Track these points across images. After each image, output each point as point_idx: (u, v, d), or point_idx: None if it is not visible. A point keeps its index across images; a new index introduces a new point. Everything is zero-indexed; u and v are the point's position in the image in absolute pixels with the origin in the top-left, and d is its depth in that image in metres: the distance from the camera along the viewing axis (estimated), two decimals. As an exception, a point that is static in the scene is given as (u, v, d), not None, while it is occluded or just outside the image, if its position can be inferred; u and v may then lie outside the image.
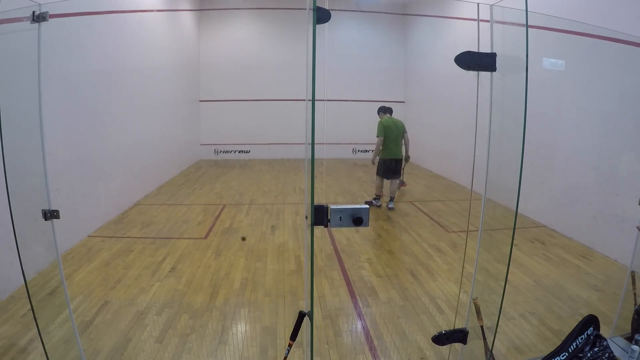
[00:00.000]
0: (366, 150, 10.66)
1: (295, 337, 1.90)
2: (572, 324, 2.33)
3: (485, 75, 1.87)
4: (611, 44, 3.44)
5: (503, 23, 1.82)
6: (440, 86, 8.58)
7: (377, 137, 5.78)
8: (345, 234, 4.70)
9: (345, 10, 10.54)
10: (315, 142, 1.55)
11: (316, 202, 1.59)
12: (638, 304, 2.50)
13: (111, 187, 5.32)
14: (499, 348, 2.51)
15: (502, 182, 2.02)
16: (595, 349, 2.25)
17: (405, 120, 6.38)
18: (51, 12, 1.87)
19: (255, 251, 4.26)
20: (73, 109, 4.33)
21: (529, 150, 1.92)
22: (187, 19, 9.51)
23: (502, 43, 1.82)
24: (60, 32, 3.92)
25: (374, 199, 6.06)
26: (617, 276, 3.64)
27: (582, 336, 2.26)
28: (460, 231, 4.96)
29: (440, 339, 2.16)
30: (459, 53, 1.82)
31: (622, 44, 3.33)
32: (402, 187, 6.89)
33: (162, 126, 7.69)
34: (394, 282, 3.52)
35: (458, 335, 2.17)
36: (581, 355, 2.23)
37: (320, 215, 1.60)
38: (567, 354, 2.21)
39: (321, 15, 1.47)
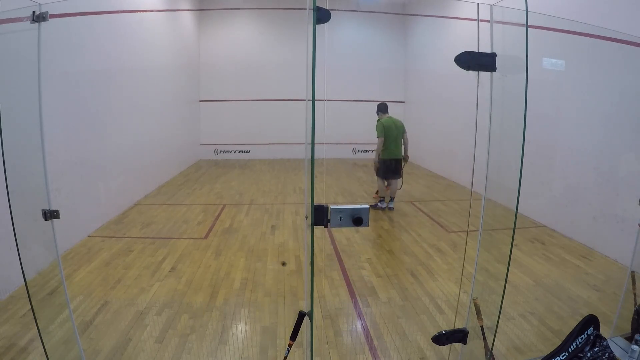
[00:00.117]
0: (366, 150, 10.66)
1: (295, 337, 1.90)
2: (572, 324, 2.33)
3: (485, 75, 1.87)
4: (611, 44, 3.44)
5: (503, 23, 1.82)
6: (440, 86, 8.58)
7: (378, 137, 5.76)
8: (345, 234, 4.70)
9: (345, 10, 10.54)
10: (315, 142, 1.55)
11: (316, 202, 1.59)
12: (638, 304, 2.49)
13: (111, 187, 5.32)
14: (499, 348, 2.51)
15: (502, 182, 2.02)
16: (595, 349, 2.25)
17: (405, 120, 6.38)
18: (51, 12, 1.87)
19: (255, 251, 4.26)
20: (73, 109, 4.33)
21: (529, 150, 1.92)
22: (187, 19, 9.51)
23: (502, 43, 1.82)
24: (60, 32, 3.92)
25: (379, 201, 5.94)
26: (617, 276, 3.64)
27: (582, 336, 2.26)
28: (460, 231, 4.96)
29: (440, 339, 2.16)
30: (459, 53, 1.82)
31: (622, 44, 3.33)
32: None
33: (162, 126, 7.69)
34: (394, 282, 3.52)
35: (458, 335, 2.17)
36: (581, 355, 2.23)
37: (320, 215, 1.60)
38: (567, 354, 2.21)
39: (321, 15, 1.47)
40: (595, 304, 3.17)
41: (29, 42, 1.86)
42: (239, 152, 11.11)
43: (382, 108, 5.93)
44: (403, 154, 5.95)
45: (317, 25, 1.45)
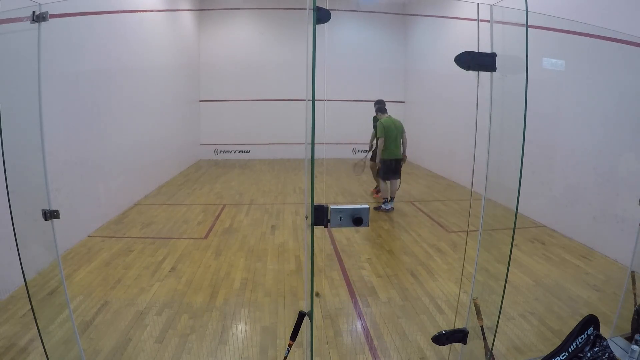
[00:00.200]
0: (366, 150, 10.65)
1: (295, 337, 1.90)
2: (572, 324, 2.33)
3: (485, 75, 1.87)
4: (611, 44, 3.44)
5: (503, 23, 1.82)
6: (440, 86, 8.58)
7: (378, 138, 5.75)
8: (345, 234, 4.70)
9: (345, 10, 10.54)
10: (315, 142, 1.55)
11: (316, 202, 1.59)
12: (638, 304, 2.49)
13: (111, 187, 5.32)
14: (499, 348, 2.51)
15: (502, 182, 2.01)
16: (595, 349, 2.25)
17: (405, 120, 6.39)
18: (51, 12, 1.87)
19: (255, 251, 4.26)
20: (73, 109, 4.33)
21: (529, 150, 1.92)
22: (187, 19, 9.51)
23: (502, 43, 1.82)
24: (60, 32, 3.91)
25: (383, 203, 5.87)
26: (617, 276, 3.64)
27: (582, 336, 2.26)
28: (460, 231, 4.96)
29: (440, 339, 2.16)
30: (459, 53, 1.82)
31: (622, 44, 3.33)
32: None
33: (162, 126, 7.69)
34: (394, 282, 3.52)
35: (458, 335, 2.17)
36: (581, 355, 2.23)
37: (320, 215, 1.60)
38: (567, 354, 2.21)
39: (321, 15, 1.47)
40: (595, 304, 3.17)
41: (29, 42, 1.86)
42: (239, 152, 11.12)
43: (381, 108, 5.92)
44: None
45: (317, 25, 1.45)
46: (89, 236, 4.58)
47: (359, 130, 9.75)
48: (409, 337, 2.69)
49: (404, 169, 6.13)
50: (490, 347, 2.14)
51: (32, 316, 1.97)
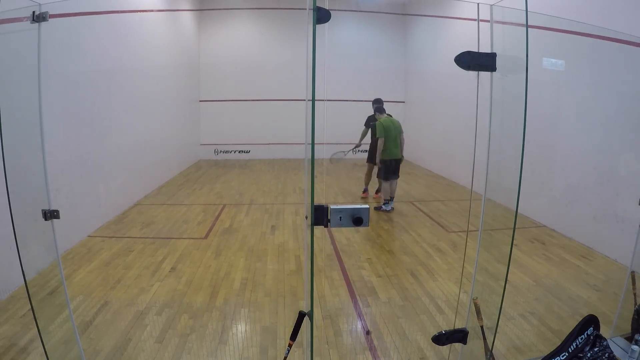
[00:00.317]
0: (366, 151, 10.65)
1: (295, 337, 1.90)
2: (572, 324, 2.33)
3: (485, 75, 1.87)
4: (611, 44, 3.43)
5: (503, 23, 1.82)
6: (440, 86, 8.58)
7: (378, 138, 5.74)
8: (345, 234, 4.70)
9: (345, 10, 10.54)
10: (315, 142, 1.55)
11: (316, 202, 1.59)
12: (638, 304, 2.49)
13: (111, 187, 5.32)
14: (499, 348, 2.51)
15: (502, 182, 2.01)
16: (595, 349, 2.25)
17: (405, 120, 6.40)
18: (51, 12, 1.87)
19: (255, 251, 4.26)
20: (73, 109, 4.33)
21: (529, 150, 1.92)
22: (187, 19, 9.51)
23: (502, 43, 1.82)
24: (60, 32, 3.91)
25: (384, 203, 5.87)
26: (617, 276, 3.64)
27: (582, 336, 2.26)
28: (460, 231, 4.96)
29: (440, 339, 2.16)
30: (459, 53, 1.82)
31: (622, 44, 3.33)
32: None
33: (162, 126, 7.69)
34: (394, 282, 3.52)
35: (458, 335, 2.17)
36: (581, 355, 2.23)
37: (320, 215, 1.60)
38: (567, 354, 2.21)
39: (321, 15, 1.47)
40: (595, 304, 3.17)
41: (29, 42, 1.85)
42: (239, 152, 11.11)
43: (380, 108, 5.92)
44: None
45: (317, 25, 1.45)
46: (89, 236, 4.58)
47: (359, 130, 9.76)
48: (409, 337, 2.69)
49: (404, 169, 6.13)
50: (490, 347, 2.14)
51: (32, 316, 1.97)
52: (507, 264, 1.94)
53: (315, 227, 1.62)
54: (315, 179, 1.59)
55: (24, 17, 1.83)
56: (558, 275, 3.72)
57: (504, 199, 2.00)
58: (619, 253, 3.97)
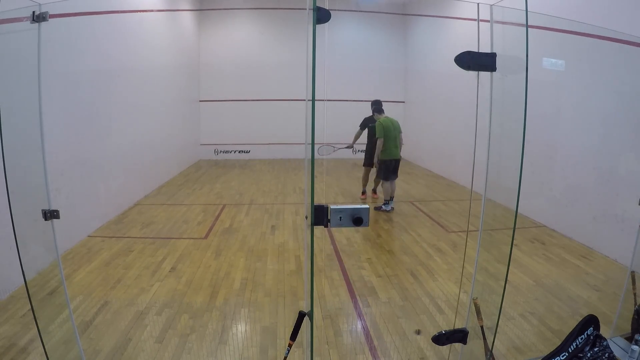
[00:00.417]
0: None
1: (295, 337, 1.90)
2: (572, 324, 2.33)
3: (485, 75, 1.87)
4: (611, 44, 3.44)
5: (503, 23, 1.82)
6: (440, 86, 8.58)
7: (377, 138, 5.73)
8: (345, 234, 4.70)
9: (345, 10, 10.53)
10: (315, 142, 1.55)
11: (316, 202, 1.59)
12: (638, 304, 2.49)
13: (111, 187, 5.32)
14: (499, 348, 2.51)
15: (502, 182, 2.01)
16: (595, 349, 2.25)
17: (405, 120, 6.40)
18: (51, 12, 1.87)
19: (255, 251, 4.26)
20: (73, 109, 4.33)
21: (529, 150, 1.92)
22: (187, 19, 9.51)
23: (502, 43, 1.82)
24: (60, 32, 3.91)
25: (384, 203, 5.85)
26: (617, 276, 3.64)
27: (582, 336, 2.26)
28: (460, 231, 4.96)
29: (440, 339, 2.16)
30: (459, 53, 1.82)
31: (622, 44, 3.33)
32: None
33: (162, 126, 7.69)
34: (394, 282, 3.52)
35: (458, 335, 2.17)
36: (581, 355, 2.23)
37: (320, 215, 1.60)
38: (567, 354, 2.21)
39: (321, 15, 1.47)
40: (595, 304, 3.17)
41: (29, 42, 1.85)
42: (239, 152, 11.11)
43: (379, 108, 5.91)
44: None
45: (317, 25, 1.45)
46: (89, 236, 4.58)
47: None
48: (409, 337, 2.69)
49: (404, 169, 6.12)
50: (490, 347, 2.14)
51: (32, 316, 1.97)
52: (507, 264, 1.94)
53: (315, 227, 1.62)
54: (315, 179, 1.59)
55: (24, 17, 1.83)
56: (558, 275, 3.72)
57: (504, 199, 2.00)
58: (619, 253, 3.97)
